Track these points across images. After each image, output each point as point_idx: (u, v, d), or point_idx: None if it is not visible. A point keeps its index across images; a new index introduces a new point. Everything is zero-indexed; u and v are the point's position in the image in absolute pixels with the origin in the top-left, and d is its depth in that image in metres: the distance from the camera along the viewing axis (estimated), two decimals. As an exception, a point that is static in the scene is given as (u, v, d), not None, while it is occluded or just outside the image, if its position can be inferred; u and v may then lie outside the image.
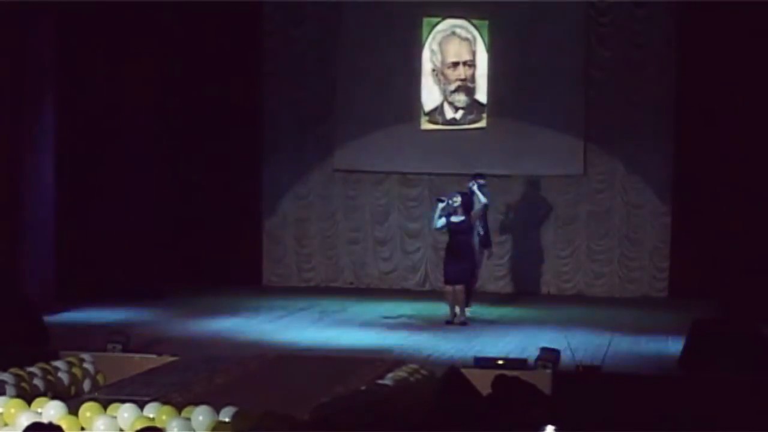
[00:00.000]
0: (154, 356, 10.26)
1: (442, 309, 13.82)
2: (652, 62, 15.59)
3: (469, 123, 16.11)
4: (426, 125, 16.21)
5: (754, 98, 14.50)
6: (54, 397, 8.25)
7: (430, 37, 16.19)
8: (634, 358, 10.96)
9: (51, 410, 7.63)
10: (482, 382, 9.38)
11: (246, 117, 16.32)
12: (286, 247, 16.58)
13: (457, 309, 13.05)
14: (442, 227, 13.20)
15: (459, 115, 16.15)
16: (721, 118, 14.83)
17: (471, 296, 13.55)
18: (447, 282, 13.26)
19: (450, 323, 12.97)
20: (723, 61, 14.75)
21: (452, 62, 16.17)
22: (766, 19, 14.16)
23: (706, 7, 14.75)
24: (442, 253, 14.92)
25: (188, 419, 7.48)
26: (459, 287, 13.08)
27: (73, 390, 9.31)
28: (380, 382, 8.82)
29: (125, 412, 7.61)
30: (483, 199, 13.38)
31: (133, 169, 14.65)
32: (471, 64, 16.14)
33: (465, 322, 12.96)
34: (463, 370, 9.68)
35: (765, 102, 14.45)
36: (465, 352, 10.86)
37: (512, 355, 10.42)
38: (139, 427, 7.21)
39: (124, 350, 10.34)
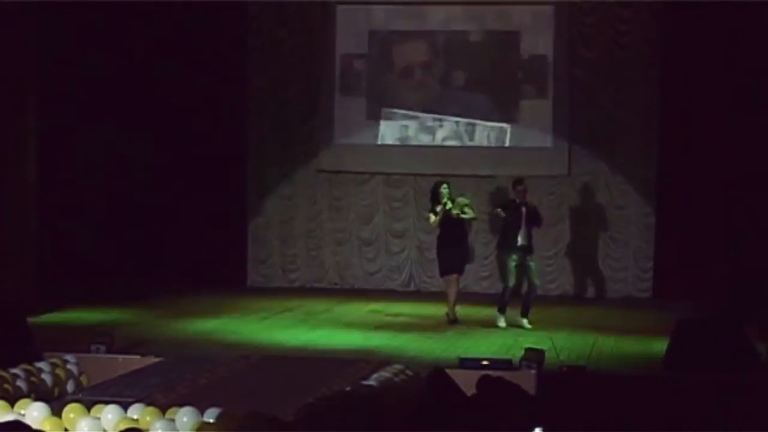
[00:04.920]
0: (137, 357, 10.23)
1: (427, 309, 13.86)
2: (637, 63, 15.63)
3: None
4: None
5: (737, 99, 14.54)
6: (37, 399, 8.23)
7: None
8: (618, 358, 10.99)
9: (34, 412, 7.61)
10: (467, 382, 9.39)
11: (231, 117, 16.30)
12: (270, 248, 16.57)
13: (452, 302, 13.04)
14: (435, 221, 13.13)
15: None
16: (705, 119, 14.87)
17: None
18: (446, 272, 13.10)
19: (454, 321, 12.95)
20: (707, 61, 14.80)
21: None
22: (749, 19, 14.20)
23: (690, 7, 14.79)
24: (427, 254, 14.97)
25: (172, 420, 7.47)
26: (453, 277, 13.06)
27: (56, 391, 9.29)
28: (365, 382, 8.83)
29: (109, 414, 7.60)
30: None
31: (116, 170, 14.61)
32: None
33: (456, 320, 13.01)
34: (448, 371, 9.68)
35: (749, 103, 14.50)
36: (450, 353, 10.86)
37: (497, 356, 10.43)
38: (122, 428, 7.20)
39: (108, 351, 10.31)
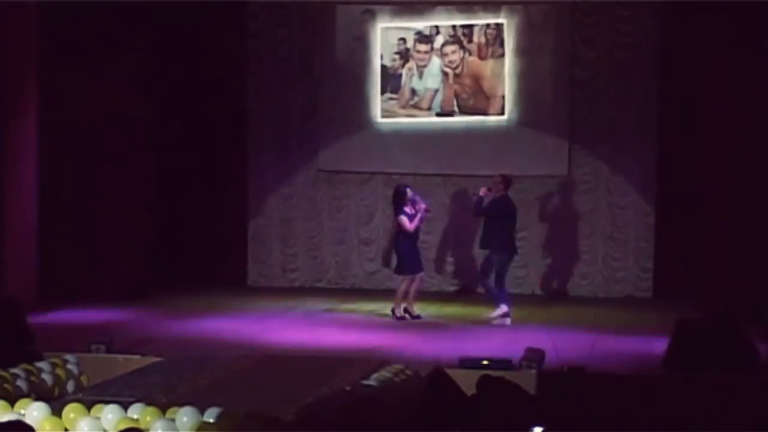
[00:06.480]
0: (138, 357, 10.24)
1: (426, 309, 13.86)
2: (637, 63, 15.63)
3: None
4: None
5: (738, 99, 14.53)
6: (37, 399, 8.23)
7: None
8: (618, 358, 10.98)
9: (34, 411, 7.62)
10: (467, 382, 9.36)
11: (231, 118, 16.30)
12: (271, 248, 16.57)
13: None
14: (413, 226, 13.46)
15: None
16: (706, 118, 14.86)
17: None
18: (416, 270, 13.49)
19: (417, 317, 13.41)
20: (707, 61, 14.78)
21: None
22: (750, 20, 14.19)
23: (690, 7, 14.78)
24: (427, 254, 15.11)
25: (172, 420, 7.47)
26: (420, 275, 13.59)
27: (56, 391, 9.29)
28: (365, 382, 8.84)
29: (109, 413, 7.60)
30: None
31: (116, 169, 14.61)
32: None
33: (419, 316, 13.44)
34: (448, 371, 9.65)
35: (749, 103, 14.48)
36: (450, 353, 10.85)
37: (497, 356, 10.42)
38: (122, 428, 7.19)
39: (108, 351, 10.33)
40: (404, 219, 13.33)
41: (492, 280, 13.13)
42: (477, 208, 13.45)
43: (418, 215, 13.35)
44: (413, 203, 13.42)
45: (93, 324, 12.30)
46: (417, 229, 13.49)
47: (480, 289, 14.10)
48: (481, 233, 13.51)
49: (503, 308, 12.97)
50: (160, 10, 15.13)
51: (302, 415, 7.49)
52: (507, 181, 13.34)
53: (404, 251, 13.45)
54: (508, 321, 12.98)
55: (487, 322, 12.97)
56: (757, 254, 13.83)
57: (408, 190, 13.58)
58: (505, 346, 11.27)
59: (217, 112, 16.18)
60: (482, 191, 13.31)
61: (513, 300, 13.48)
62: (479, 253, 15.82)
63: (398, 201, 13.49)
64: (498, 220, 13.15)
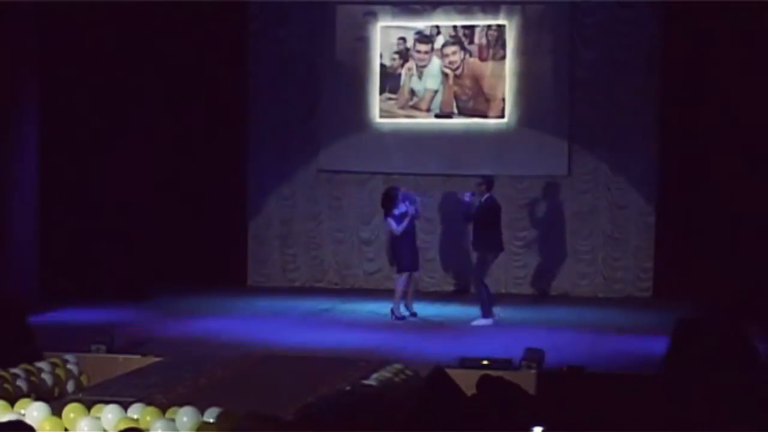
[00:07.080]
0: (138, 357, 10.25)
1: (426, 309, 13.86)
2: (637, 63, 15.63)
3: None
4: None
5: (738, 99, 14.54)
6: (37, 399, 8.25)
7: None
8: (618, 357, 10.98)
9: (34, 411, 7.62)
10: (467, 382, 9.36)
11: (231, 117, 16.30)
12: (270, 248, 16.57)
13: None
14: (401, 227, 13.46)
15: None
16: (705, 118, 14.88)
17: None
18: (412, 268, 13.51)
19: (414, 314, 13.46)
20: (707, 61, 14.80)
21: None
22: (750, 19, 14.20)
23: (690, 7, 14.79)
24: (427, 254, 15.10)
25: (172, 420, 7.48)
26: (417, 273, 13.67)
27: (56, 391, 9.30)
28: (365, 382, 8.84)
29: (109, 413, 7.61)
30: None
31: (116, 169, 14.61)
32: None
33: (415, 313, 13.53)
34: (448, 371, 9.65)
35: (749, 102, 14.49)
36: (450, 353, 10.85)
37: (497, 356, 10.42)
38: (122, 428, 7.20)
39: (108, 351, 10.33)
40: (392, 222, 13.37)
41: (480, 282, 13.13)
42: (466, 214, 13.38)
43: (406, 219, 13.33)
44: (404, 205, 13.41)
45: (93, 324, 12.29)
46: (412, 229, 13.45)
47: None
48: (472, 236, 13.48)
49: (489, 320, 12.97)
50: (161, 10, 15.13)
51: (302, 415, 7.49)
52: (488, 182, 13.30)
53: (400, 250, 13.48)
54: (489, 321, 13.00)
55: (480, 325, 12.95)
56: (756, 254, 13.84)
57: (399, 193, 13.59)
58: (505, 346, 11.27)
59: (217, 112, 16.18)
60: (466, 196, 13.23)
61: (518, 300, 13.54)
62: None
63: (387, 204, 13.49)
64: (487, 221, 13.12)
